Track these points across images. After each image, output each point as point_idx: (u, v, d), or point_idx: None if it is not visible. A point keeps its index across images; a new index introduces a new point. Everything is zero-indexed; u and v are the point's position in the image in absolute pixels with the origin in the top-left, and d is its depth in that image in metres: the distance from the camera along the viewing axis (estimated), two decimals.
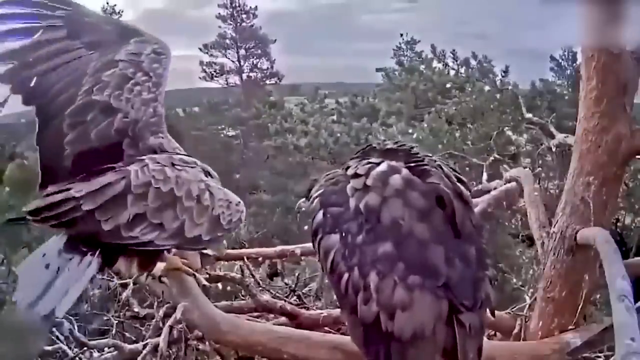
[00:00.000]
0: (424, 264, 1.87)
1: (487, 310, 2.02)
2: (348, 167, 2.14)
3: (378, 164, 2.02)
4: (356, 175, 2.03)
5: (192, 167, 2.45)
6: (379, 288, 1.86)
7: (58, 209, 2.14)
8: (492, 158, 6.13)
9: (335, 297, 2.19)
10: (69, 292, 2.05)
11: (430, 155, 2.18)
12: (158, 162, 2.36)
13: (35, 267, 2.13)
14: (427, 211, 1.92)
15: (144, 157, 2.39)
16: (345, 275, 1.95)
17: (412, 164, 2.03)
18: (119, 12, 25.47)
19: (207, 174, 2.53)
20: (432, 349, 1.85)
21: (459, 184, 2.02)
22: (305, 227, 2.17)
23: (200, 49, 25.84)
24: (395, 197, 1.92)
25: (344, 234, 1.98)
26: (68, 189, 2.19)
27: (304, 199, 2.58)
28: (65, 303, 2.02)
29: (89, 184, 2.20)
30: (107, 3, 25.33)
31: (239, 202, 2.52)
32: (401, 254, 1.87)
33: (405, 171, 1.98)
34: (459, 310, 1.86)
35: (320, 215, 2.07)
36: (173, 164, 2.39)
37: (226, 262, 3.99)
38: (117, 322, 3.50)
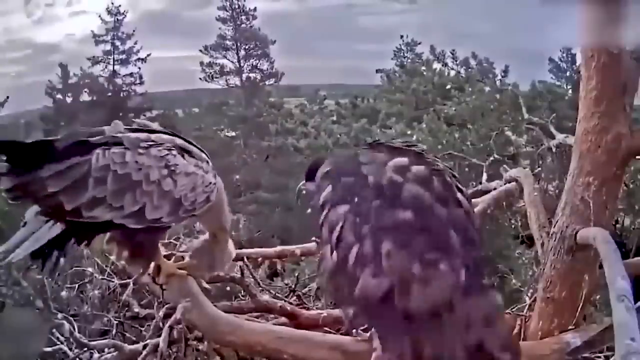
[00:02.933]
0: (444, 240, 1.80)
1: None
2: (357, 154, 2.09)
3: (392, 159, 1.97)
4: (372, 163, 1.97)
5: (158, 149, 2.50)
6: (394, 256, 1.75)
7: (27, 188, 2.30)
8: (491, 158, 6.13)
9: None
10: (29, 247, 2.28)
11: (437, 159, 2.18)
12: (122, 145, 2.44)
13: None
14: (446, 199, 1.89)
15: (117, 136, 2.48)
16: (354, 249, 1.84)
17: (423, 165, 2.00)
18: (123, 13, 25.62)
19: (187, 153, 2.59)
20: (453, 326, 1.73)
21: (459, 193, 2.02)
22: (309, 210, 2.17)
23: (201, 50, 25.87)
24: (417, 180, 1.88)
25: (356, 201, 1.89)
26: (40, 167, 2.30)
27: (304, 181, 2.59)
28: (21, 253, 2.28)
29: (58, 164, 2.33)
30: (112, 3, 25.48)
31: (210, 182, 2.61)
32: (422, 225, 1.79)
33: (424, 166, 1.95)
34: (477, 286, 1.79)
35: (329, 189, 2.01)
36: (139, 145, 2.46)
37: None
38: (117, 322, 3.50)
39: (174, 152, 2.54)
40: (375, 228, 1.81)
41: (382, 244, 1.78)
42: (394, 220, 1.79)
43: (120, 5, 25.52)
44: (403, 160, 1.96)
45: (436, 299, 1.73)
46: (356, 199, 1.88)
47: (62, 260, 2.44)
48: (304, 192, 2.59)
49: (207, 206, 2.65)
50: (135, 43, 25.89)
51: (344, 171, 2.02)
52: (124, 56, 25.89)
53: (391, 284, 1.75)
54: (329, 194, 2.00)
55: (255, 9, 25.78)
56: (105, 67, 25.85)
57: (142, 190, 2.41)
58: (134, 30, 25.98)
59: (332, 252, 1.93)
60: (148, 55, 26.03)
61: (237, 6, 25.54)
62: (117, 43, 25.72)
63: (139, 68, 26.00)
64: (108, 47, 25.72)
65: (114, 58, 25.82)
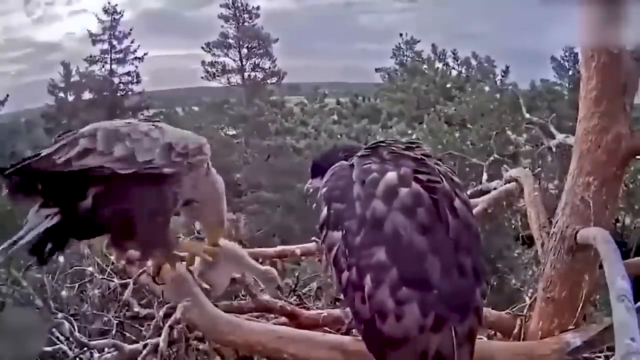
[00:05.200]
0: (417, 276, 1.91)
1: (478, 318, 2.05)
2: (353, 165, 2.16)
3: (386, 172, 2.04)
4: (363, 183, 2.05)
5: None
6: (372, 295, 1.93)
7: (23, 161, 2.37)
8: (492, 158, 6.13)
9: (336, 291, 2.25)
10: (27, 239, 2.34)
11: (440, 161, 2.21)
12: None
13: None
14: (429, 226, 1.96)
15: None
16: (345, 273, 2.02)
17: (421, 175, 2.04)
18: (120, 12, 25.60)
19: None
20: (417, 349, 1.91)
21: (457, 200, 2.05)
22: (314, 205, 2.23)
23: (203, 48, 25.88)
24: (402, 210, 1.95)
25: (345, 232, 2.02)
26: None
27: (310, 180, 2.64)
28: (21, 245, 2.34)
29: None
30: (109, 3, 25.47)
31: (200, 140, 2.68)
32: (396, 263, 1.91)
33: (414, 185, 2.00)
34: (448, 319, 1.91)
35: (325, 211, 2.13)
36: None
37: None
38: (117, 322, 3.49)
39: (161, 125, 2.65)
40: (357, 263, 1.98)
41: (364, 279, 1.95)
42: (372, 259, 1.94)
43: (117, 5, 25.55)
44: (395, 177, 2.02)
45: (408, 329, 1.90)
46: (344, 231, 2.03)
47: (58, 255, 2.45)
48: (311, 191, 2.61)
49: (200, 158, 2.66)
50: (132, 42, 25.92)
51: (336, 195, 2.12)
52: (121, 55, 25.91)
53: (373, 312, 1.94)
54: (325, 217, 2.13)
55: (258, 8, 25.82)
56: (103, 67, 25.88)
57: (131, 138, 2.47)
58: (130, 29, 26.02)
59: (332, 269, 2.12)
60: (145, 54, 26.09)
61: (239, 4, 25.56)
62: (114, 42, 25.74)
63: (136, 67, 26.03)
64: (105, 46, 25.75)
65: (111, 57, 25.83)
